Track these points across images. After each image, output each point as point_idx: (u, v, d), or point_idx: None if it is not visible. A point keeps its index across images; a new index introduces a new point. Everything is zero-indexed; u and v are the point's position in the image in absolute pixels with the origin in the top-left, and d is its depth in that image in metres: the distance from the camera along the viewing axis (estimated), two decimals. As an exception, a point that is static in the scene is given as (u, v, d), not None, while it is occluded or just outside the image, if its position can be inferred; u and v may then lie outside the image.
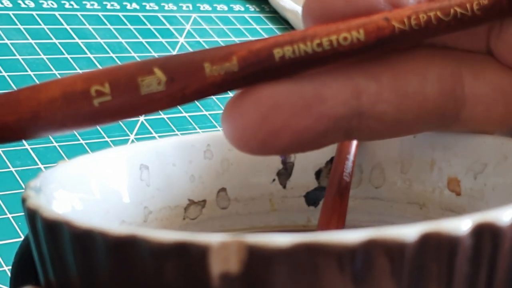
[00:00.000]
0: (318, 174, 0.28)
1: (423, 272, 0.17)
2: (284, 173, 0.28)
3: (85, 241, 0.18)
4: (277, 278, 0.16)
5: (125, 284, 0.18)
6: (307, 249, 0.16)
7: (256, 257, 0.16)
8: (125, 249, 0.17)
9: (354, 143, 0.27)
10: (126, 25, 0.54)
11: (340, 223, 0.26)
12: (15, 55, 0.48)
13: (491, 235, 0.17)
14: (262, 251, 0.16)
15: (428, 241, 0.16)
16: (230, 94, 0.21)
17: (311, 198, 0.28)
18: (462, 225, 0.17)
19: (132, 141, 0.45)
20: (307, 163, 0.28)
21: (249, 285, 0.17)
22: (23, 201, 0.21)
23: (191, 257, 0.17)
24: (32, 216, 0.20)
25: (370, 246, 0.16)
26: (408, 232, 0.16)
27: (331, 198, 0.26)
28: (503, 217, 0.17)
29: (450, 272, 0.17)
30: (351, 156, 0.27)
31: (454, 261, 0.17)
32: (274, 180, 0.28)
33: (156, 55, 0.53)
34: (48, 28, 0.51)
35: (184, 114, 0.48)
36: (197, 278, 0.17)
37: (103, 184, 0.25)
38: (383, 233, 0.16)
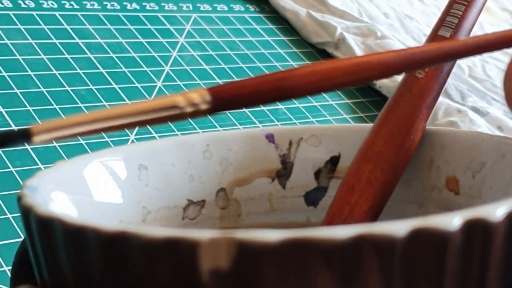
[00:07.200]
0: (317, 174, 0.28)
1: (412, 269, 0.17)
2: (284, 173, 0.28)
3: (77, 238, 0.18)
4: (266, 273, 0.16)
5: (117, 280, 0.18)
6: (296, 245, 0.16)
7: (246, 253, 0.16)
8: (116, 245, 0.17)
9: None
10: (126, 25, 0.54)
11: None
12: (15, 55, 0.48)
13: (482, 231, 0.17)
14: (252, 247, 0.16)
15: (418, 237, 0.16)
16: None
17: (311, 198, 0.28)
18: (452, 221, 0.16)
19: (132, 141, 0.45)
20: (307, 163, 0.28)
21: (239, 281, 0.17)
22: (18, 199, 0.21)
23: (181, 253, 0.17)
24: (26, 214, 0.20)
25: (359, 242, 0.16)
26: (398, 228, 0.16)
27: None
28: (495, 213, 0.17)
29: (440, 269, 0.17)
30: None
31: (444, 257, 0.17)
32: (273, 180, 0.28)
33: (156, 55, 0.53)
34: (48, 28, 0.51)
35: (184, 114, 0.47)
36: (188, 274, 0.17)
37: (101, 184, 0.25)
38: (373, 229, 0.16)
